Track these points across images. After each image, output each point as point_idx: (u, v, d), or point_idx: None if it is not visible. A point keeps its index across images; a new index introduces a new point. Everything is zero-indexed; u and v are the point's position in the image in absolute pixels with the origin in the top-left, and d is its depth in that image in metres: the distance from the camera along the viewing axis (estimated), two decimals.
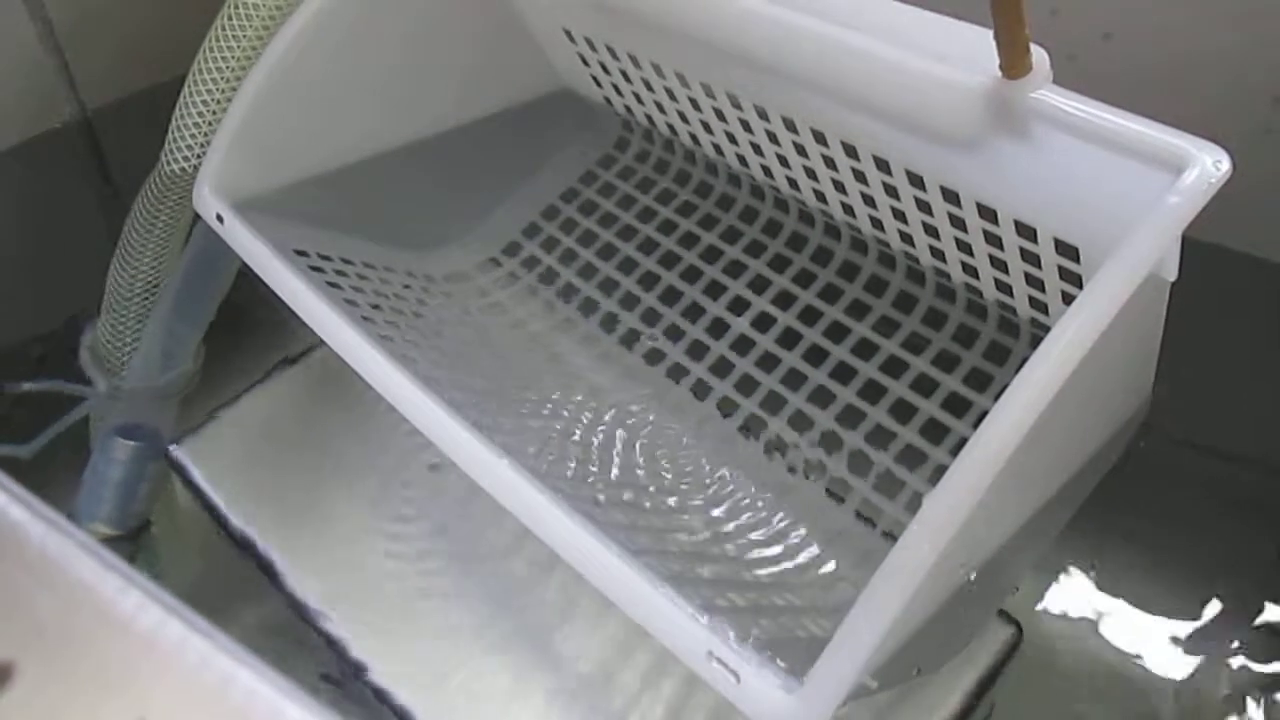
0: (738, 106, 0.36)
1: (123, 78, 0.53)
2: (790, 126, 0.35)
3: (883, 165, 0.32)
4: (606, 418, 0.38)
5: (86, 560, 0.16)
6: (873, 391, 0.36)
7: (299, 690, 0.14)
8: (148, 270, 0.39)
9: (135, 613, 0.15)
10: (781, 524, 0.34)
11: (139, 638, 0.15)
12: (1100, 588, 0.33)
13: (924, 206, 0.33)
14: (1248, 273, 0.40)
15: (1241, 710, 0.30)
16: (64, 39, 0.50)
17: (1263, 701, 0.30)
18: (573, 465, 0.35)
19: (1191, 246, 0.25)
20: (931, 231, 0.34)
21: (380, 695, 0.32)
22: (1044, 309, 0.32)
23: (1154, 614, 0.32)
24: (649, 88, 0.39)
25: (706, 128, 0.39)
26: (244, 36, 0.36)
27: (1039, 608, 0.32)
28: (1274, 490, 0.35)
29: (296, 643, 0.34)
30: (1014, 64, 0.25)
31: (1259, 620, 0.31)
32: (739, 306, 0.40)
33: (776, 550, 0.33)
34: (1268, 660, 0.31)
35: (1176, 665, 0.31)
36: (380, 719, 0.32)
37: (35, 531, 0.16)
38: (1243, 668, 0.31)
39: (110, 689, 0.14)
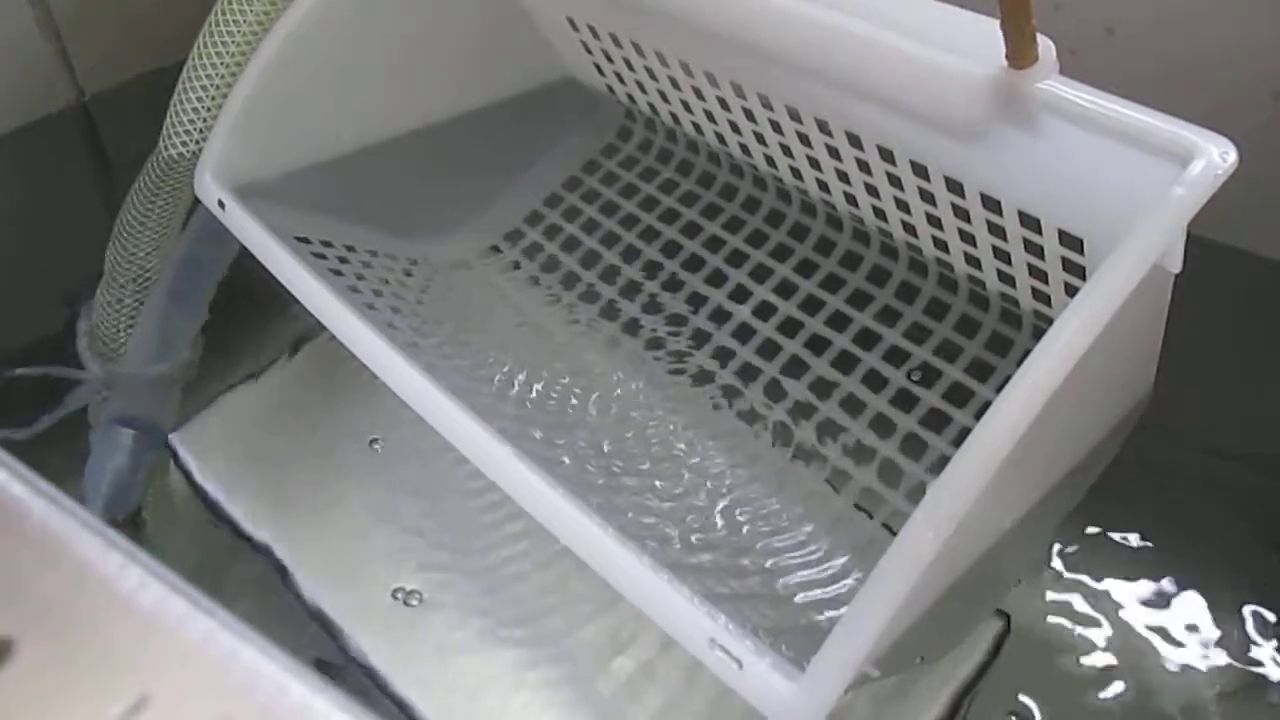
0: (741, 95, 0.36)
1: (121, 63, 0.53)
2: (794, 116, 0.34)
3: (886, 155, 0.32)
4: (608, 405, 0.38)
5: (88, 538, 0.15)
6: (874, 381, 0.36)
7: (302, 667, 0.13)
8: (144, 254, 0.39)
9: (137, 590, 0.15)
10: (783, 512, 0.34)
11: (141, 615, 0.15)
12: (1096, 583, 0.33)
13: (927, 197, 0.33)
14: (1248, 269, 0.40)
15: (1234, 708, 0.30)
16: (62, 23, 0.50)
17: (1256, 700, 0.30)
18: (574, 452, 0.35)
19: (1191, 242, 0.25)
20: (935, 222, 0.34)
21: (376, 681, 0.32)
22: (1047, 300, 0.32)
23: (1150, 611, 0.32)
24: (652, 76, 0.39)
25: (710, 116, 0.39)
26: (245, 21, 0.36)
27: (1033, 602, 0.32)
28: (1272, 489, 0.35)
29: (293, 631, 0.33)
30: (1020, 54, 0.25)
31: (1254, 619, 0.32)
32: (741, 295, 0.40)
33: (778, 538, 0.33)
34: (1262, 659, 0.31)
35: (1171, 662, 0.31)
36: (376, 704, 0.32)
37: (36, 508, 0.16)
38: (1237, 666, 0.31)
39: (112, 666, 0.14)
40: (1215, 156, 0.23)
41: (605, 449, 0.35)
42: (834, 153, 0.35)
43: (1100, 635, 0.32)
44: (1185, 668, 0.31)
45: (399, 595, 0.34)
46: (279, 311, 0.42)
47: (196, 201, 0.37)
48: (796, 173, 0.38)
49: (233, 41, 0.36)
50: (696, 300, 0.40)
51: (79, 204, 0.49)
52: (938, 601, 0.25)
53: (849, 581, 0.31)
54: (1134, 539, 0.34)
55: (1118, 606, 0.32)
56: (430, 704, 0.31)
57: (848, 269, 0.39)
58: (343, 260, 0.37)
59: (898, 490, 0.34)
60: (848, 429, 0.35)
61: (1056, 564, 0.33)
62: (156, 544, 0.38)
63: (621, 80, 0.42)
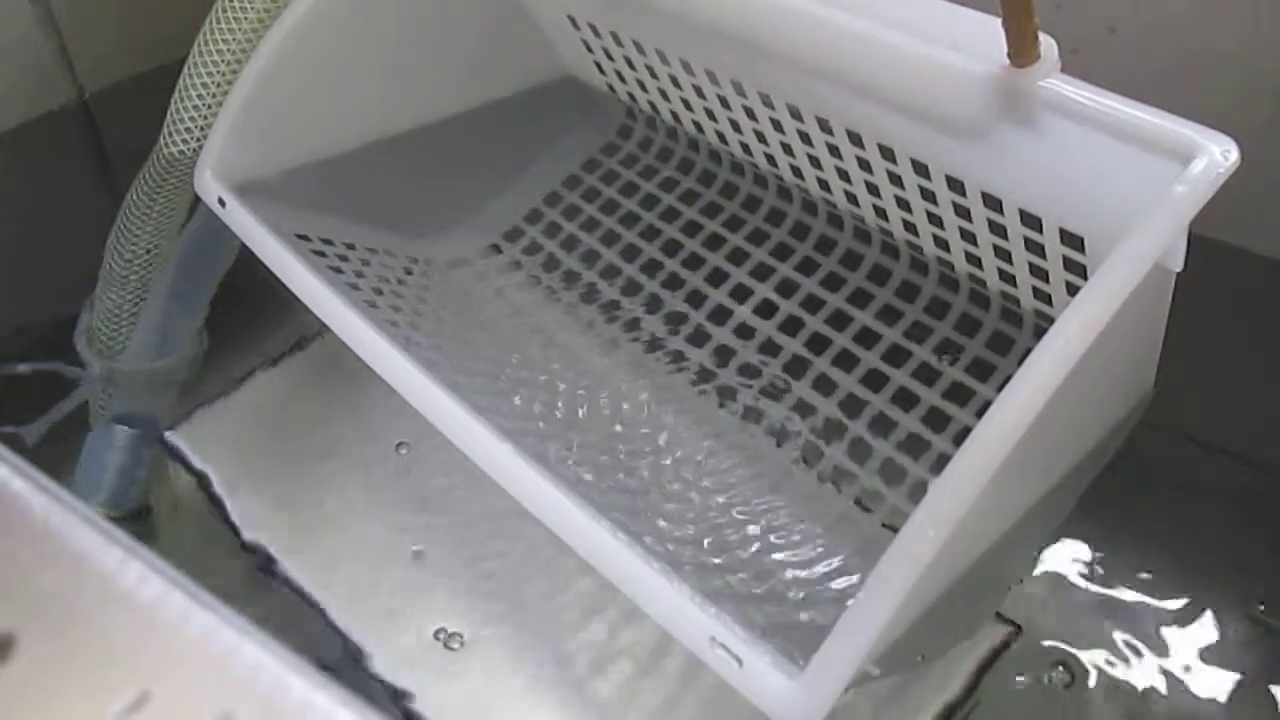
0: (742, 94, 0.36)
1: (121, 61, 0.53)
2: (795, 114, 0.34)
3: (887, 153, 0.32)
4: (608, 404, 0.38)
5: (88, 533, 0.15)
6: (874, 380, 0.36)
7: (303, 662, 0.13)
8: (144, 252, 0.39)
9: (137, 585, 0.15)
10: (783, 510, 0.34)
11: (141, 611, 0.14)
12: (1096, 583, 0.33)
13: (928, 195, 0.33)
14: (1248, 269, 0.40)
15: (1236, 710, 0.30)
16: (62, 21, 0.50)
17: (1259, 701, 0.30)
18: (574, 450, 0.35)
19: (1193, 241, 0.25)
20: (935, 220, 0.34)
21: (378, 680, 0.32)
22: (1048, 299, 0.32)
23: (1151, 610, 0.32)
24: (652, 74, 0.39)
25: (710, 115, 0.39)
26: (245, 19, 0.36)
27: (1034, 602, 0.32)
28: (1272, 489, 0.35)
29: (294, 628, 0.33)
30: (1022, 52, 0.25)
31: (1255, 619, 0.32)
32: (741, 294, 0.40)
33: (778, 537, 0.33)
34: (1264, 659, 0.31)
35: (1172, 662, 0.31)
36: (377, 702, 0.31)
37: (37, 504, 0.16)
38: (1239, 666, 0.31)
39: (112, 662, 0.14)
40: (1217, 155, 0.23)
41: (607, 448, 0.35)
42: (835, 151, 0.34)
43: (1100, 635, 0.31)
44: (1186, 668, 0.31)
45: (399, 590, 0.34)
46: (280, 310, 0.42)
47: (197, 199, 0.37)
48: (797, 171, 0.38)
49: (233, 39, 0.36)
50: (697, 299, 0.40)
51: (79, 202, 0.49)
52: (938, 600, 0.25)
53: (850, 580, 0.31)
54: (1134, 539, 0.34)
55: (1117, 606, 0.32)
56: (429, 697, 0.31)
57: (848, 268, 0.39)
58: (343, 258, 0.37)
59: (898, 489, 0.34)
60: (848, 428, 0.35)
61: (1056, 563, 0.33)
62: (159, 540, 0.38)
63: (622, 78, 0.42)
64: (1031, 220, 0.30)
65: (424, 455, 0.37)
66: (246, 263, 0.35)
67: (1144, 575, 0.33)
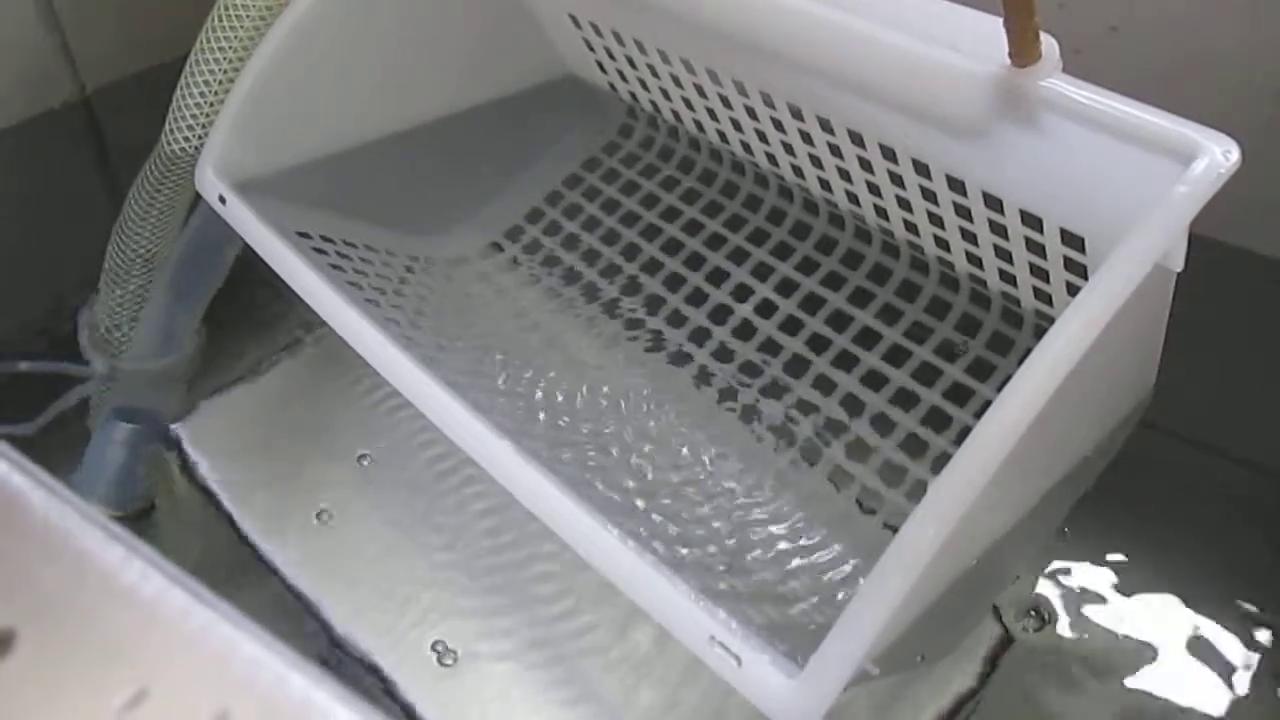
0: (743, 93, 0.36)
1: (123, 58, 0.53)
2: (796, 114, 0.34)
3: (889, 153, 0.32)
4: (608, 402, 0.38)
5: (89, 530, 0.15)
6: (875, 380, 0.36)
7: (302, 659, 0.13)
8: (145, 250, 0.39)
9: (138, 582, 0.15)
10: (783, 511, 0.34)
11: (141, 607, 0.15)
12: (1095, 584, 0.33)
13: (929, 195, 0.33)
14: (1248, 269, 0.40)
15: (1237, 708, 0.30)
16: (64, 18, 0.50)
17: (1256, 699, 0.30)
18: (574, 449, 0.35)
19: (1194, 241, 0.25)
20: (936, 220, 0.34)
21: (375, 676, 0.32)
22: (1048, 300, 0.32)
23: (1150, 611, 0.32)
24: (654, 74, 0.39)
25: (711, 114, 0.39)
26: (247, 18, 0.36)
27: (1034, 602, 0.32)
28: (1272, 489, 0.35)
29: (292, 625, 0.33)
30: (1023, 52, 0.25)
31: (1255, 619, 0.32)
32: (742, 293, 0.40)
33: (777, 537, 0.33)
34: (1262, 658, 0.31)
35: (1172, 662, 0.31)
36: (375, 699, 0.31)
37: (37, 501, 0.16)
38: (1239, 666, 0.31)
39: (112, 658, 0.14)
40: (1218, 155, 0.23)
41: (603, 446, 0.35)
42: (835, 150, 0.34)
43: (1100, 634, 0.31)
44: (1186, 668, 0.31)
45: (397, 587, 0.34)
46: (280, 307, 0.42)
47: (199, 197, 0.37)
48: (798, 170, 0.38)
49: (235, 38, 0.36)
50: (698, 298, 0.40)
51: (80, 199, 0.49)
52: (938, 600, 0.25)
53: (849, 579, 0.31)
54: (1134, 539, 0.34)
55: (1117, 606, 0.32)
56: (429, 696, 0.31)
57: (849, 267, 0.39)
58: (343, 256, 0.37)
59: (898, 489, 0.34)
60: (849, 427, 0.35)
61: (1056, 563, 0.33)
62: (160, 537, 0.38)
63: (623, 77, 0.42)
64: (1032, 220, 0.30)
65: (424, 454, 0.37)
66: (247, 260, 0.35)
67: (1143, 575, 0.33)
